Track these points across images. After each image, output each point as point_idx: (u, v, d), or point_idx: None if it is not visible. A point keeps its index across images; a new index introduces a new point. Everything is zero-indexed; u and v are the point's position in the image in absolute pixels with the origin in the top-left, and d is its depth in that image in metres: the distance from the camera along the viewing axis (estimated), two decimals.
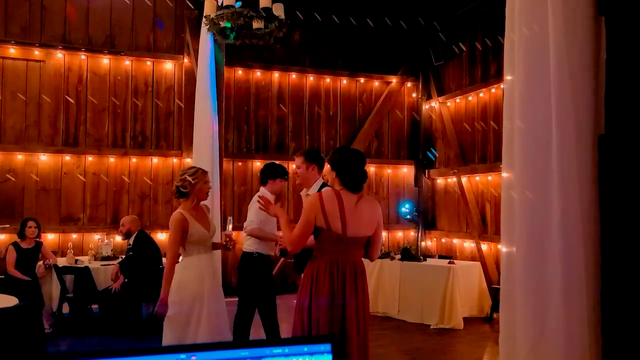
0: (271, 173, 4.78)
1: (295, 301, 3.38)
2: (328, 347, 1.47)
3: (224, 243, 4.12)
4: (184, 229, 3.84)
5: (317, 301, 3.18)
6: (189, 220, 3.86)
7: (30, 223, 6.52)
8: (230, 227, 4.24)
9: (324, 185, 4.10)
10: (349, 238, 3.25)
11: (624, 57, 2.85)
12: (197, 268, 3.91)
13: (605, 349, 2.83)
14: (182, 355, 1.36)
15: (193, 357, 1.37)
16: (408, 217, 9.15)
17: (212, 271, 4.06)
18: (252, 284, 4.67)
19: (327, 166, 3.48)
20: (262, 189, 4.79)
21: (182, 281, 3.85)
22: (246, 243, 4.72)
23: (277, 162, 4.55)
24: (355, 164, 3.36)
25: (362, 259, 3.41)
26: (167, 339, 3.90)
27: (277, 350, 1.43)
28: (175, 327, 3.84)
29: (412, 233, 9.79)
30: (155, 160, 8.55)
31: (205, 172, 4.05)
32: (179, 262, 3.96)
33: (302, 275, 3.37)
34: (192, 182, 3.91)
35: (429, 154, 9.76)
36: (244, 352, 1.41)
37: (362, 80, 9.70)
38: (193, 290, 3.85)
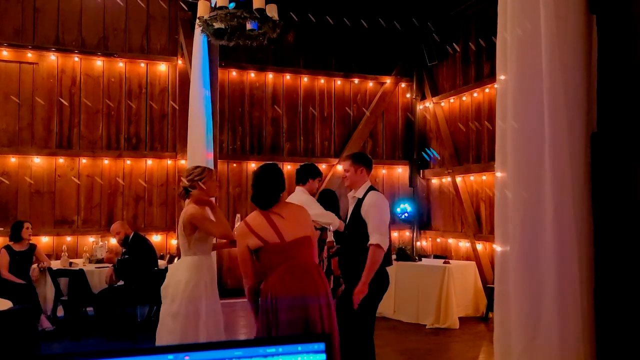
0: (312, 173, 5.09)
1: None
2: (322, 346, 1.47)
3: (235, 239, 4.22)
4: (194, 225, 3.89)
5: (277, 304, 3.17)
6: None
7: (27, 224, 6.50)
8: (238, 224, 4.32)
9: (371, 187, 4.18)
10: (290, 242, 3.27)
11: (615, 56, 2.86)
12: (198, 268, 3.96)
13: (600, 346, 2.84)
14: (176, 355, 1.36)
15: (186, 357, 1.36)
16: (404, 217, 9.18)
17: (212, 273, 4.13)
18: None
19: None
20: (299, 187, 5.03)
21: (184, 280, 3.90)
22: None
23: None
24: (261, 181, 3.39)
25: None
26: (164, 339, 3.90)
27: (271, 349, 1.43)
28: (177, 326, 3.88)
29: (407, 233, 9.81)
30: (149, 162, 8.53)
31: (211, 170, 4.17)
32: (181, 259, 4.03)
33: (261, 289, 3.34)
34: (201, 183, 4.00)
35: (427, 155, 9.74)
36: (238, 352, 1.41)
37: (356, 80, 9.71)
38: (195, 290, 3.90)
